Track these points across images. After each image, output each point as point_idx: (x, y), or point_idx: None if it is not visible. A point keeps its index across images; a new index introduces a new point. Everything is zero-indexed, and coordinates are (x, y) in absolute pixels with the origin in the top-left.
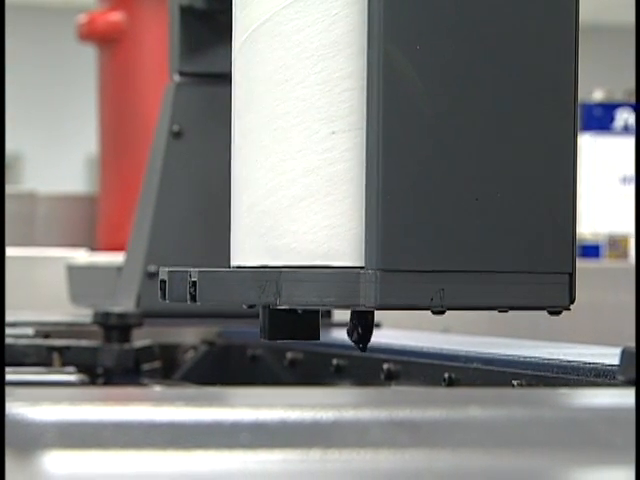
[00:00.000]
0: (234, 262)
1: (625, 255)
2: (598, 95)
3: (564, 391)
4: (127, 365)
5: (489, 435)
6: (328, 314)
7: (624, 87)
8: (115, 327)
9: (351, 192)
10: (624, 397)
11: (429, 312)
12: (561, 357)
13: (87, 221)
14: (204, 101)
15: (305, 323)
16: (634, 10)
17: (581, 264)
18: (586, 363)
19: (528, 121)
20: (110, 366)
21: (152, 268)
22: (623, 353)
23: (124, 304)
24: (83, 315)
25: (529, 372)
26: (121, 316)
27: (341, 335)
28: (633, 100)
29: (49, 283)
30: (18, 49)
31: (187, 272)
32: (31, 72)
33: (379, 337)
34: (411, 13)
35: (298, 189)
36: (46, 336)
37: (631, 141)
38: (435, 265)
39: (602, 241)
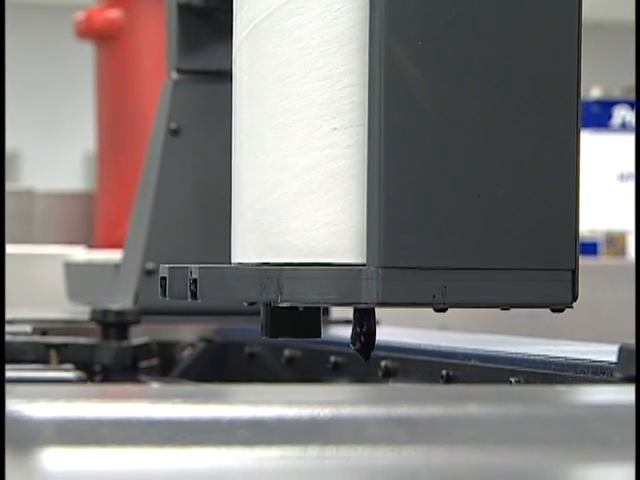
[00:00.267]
0: (235, 259)
1: (623, 252)
2: (596, 92)
3: (562, 388)
4: (125, 362)
5: (487, 432)
6: (326, 311)
7: (622, 84)
8: (113, 324)
9: (352, 189)
10: (622, 394)
11: (427, 309)
12: (559, 354)
13: (85, 218)
14: (202, 98)
15: (306, 320)
16: (632, 7)
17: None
18: (584, 360)
19: (530, 117)
20: (108, 363)
21: (150, 265)
22: (621, 350)
23: (122, 301)
24: (81, 312)
25: (527, 369)
26: (119, 313)
27: (339, 332)
28: (631, 97)
29: (47, 280)
30: (16, 46)
31: (188, 269)
32: (29, 69)
33: (377, 334)
34: (413, 9)
35: (299, 186)
36: (44, 333)
37: (629, 138)
38: (437, 262)
39: (600, 238)
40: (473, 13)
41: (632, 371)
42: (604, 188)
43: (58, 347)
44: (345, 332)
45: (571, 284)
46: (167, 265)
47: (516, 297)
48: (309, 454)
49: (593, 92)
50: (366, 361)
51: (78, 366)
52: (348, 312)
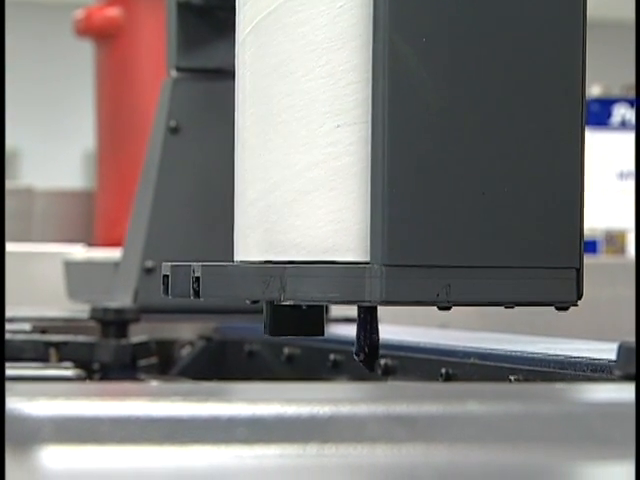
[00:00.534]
0: (237, 257)
1: (622, 250)
2: (595, 90)
3: (561, 386)
4: (124, 360)
5: (486, 430)
6: (326, 310)
7: (622, 82)
8: (112, 323)
9: (356, 186)
10: (621, 392)
11: (426, 307)
12: (558, 352)
13: (84, 217)
14: (201, 96)
15: (309, 319)
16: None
17: None
18: (583, 358)
19: (535, 115)
20: (107, 361)
21: (149, 264)
22: (620, 348)
23: (121, 300)
24: (80, 310)
25: (526, 367)
26: (118, 312)
27: (338, 331)
28: (631, 95)
29: (46, 279)
30: (15, 45)
31: (190, 267)
32: (28, 67)
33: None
34: (417, 5)
35: (302, 183)
36: (43, 331)
37: (628, 136)
38: (441, 260)
39: (599, 236)
40: (478, 10)
41: (632, 369)
42: (604, 186)
43: (57, 345)
44: (345, 330)
45: (576, 282)
46: (169, 263)
47: (520, 295)
48: (308, 452)
49: (593, 90)
50: (370, 372)
51: (77, 364)
52: (348, 310)
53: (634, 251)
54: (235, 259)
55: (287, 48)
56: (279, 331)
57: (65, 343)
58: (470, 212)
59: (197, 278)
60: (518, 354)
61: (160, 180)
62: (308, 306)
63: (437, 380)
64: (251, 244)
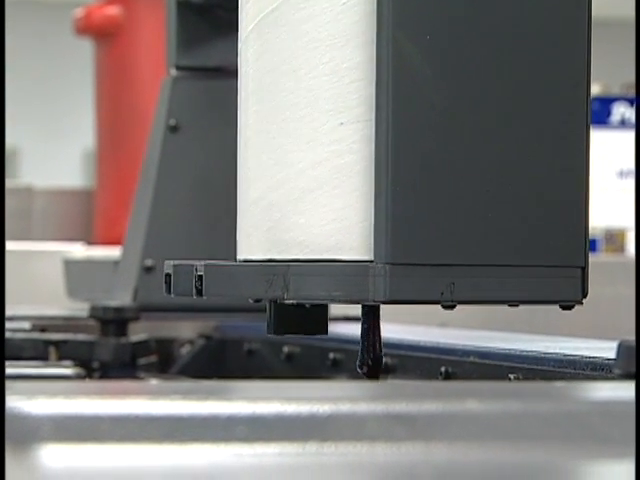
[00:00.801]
0: (240, 256)
1: (622, 249)
2: (595, 89)
3: (560, 385)
4: (124, 359)
5: (485, 428)
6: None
7: (621, 81)
8: (112, 321)
9: (360, 184)
10: (621, 390)
11: (426, 305)
12: (557, 351)
13: (84, 215)
14: (201, 95)
15: (313, 318)
16: (631, 4)
17: None
18: (583, 357)
19: (540, 113)
20: (107, 360)
21: (149, 262)
22: (620, 347)
23: (121, 298)
24: (80, 309)
25: (525, 366)
26: (118, 310)
27: (338, 329)
28: (630, 94)
29: (46, 277)
30: (15, 43)
31: (193, 266)
32: (28, 66)
33: None
34: (421, 2)
35: (306, 181)
36: (43, 330)
37: (628, 135)
38: (445, 259)
39: (599, 235)
40: (482, 8)
41: (631, 367)
42: (603, 185)
43: (57, 344)
44: (344, 329)
45: (581, 281)
46: (172, 262)
47: (525, 294)
48: (308, 450)
49: (592, 89)
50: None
51: (77, 363)
52: (347, 309)
53: (634, 250)
54: (238, 258)
55: (290, 45)
56: (282, 330)
57: (65, 342)
58: (474, 210)
59: (200, 277)
60: (517, 353)
61: (160, 179)
62: (311, 305)
63: (437, 379)
64: (254, 243)
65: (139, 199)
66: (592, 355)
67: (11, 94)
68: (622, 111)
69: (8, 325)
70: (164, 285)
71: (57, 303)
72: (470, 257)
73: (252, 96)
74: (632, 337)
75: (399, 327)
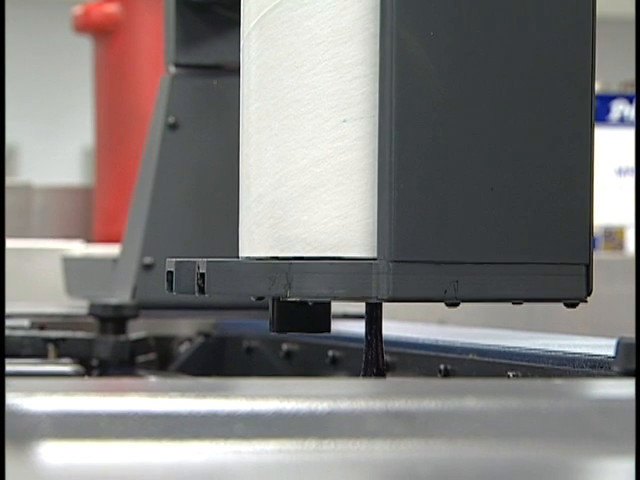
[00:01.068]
0: (243, 253)
1: (621, 247)
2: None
3: (559, 382)
4: (122, 357)
5: (484, 426)
6: None
7: (620, 79)
8: (111, 319)
9: (363, 181)
10: (620, 388)
11: (425, 303)
12: (556, 348)
13: (83, 213)
14: (200, 93)
15: (316, 315)
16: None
17: None
18: (582, 354)
19: (544, 109)
20: (105, 358)
21: (148, 260)
22: (619, 344)
23: (120, 296)
24: (79, 307)
25: (525, 363)
26: (117, 308)
27: (337, 327)
28: (629, 92)
29: (45, 275)
30: (14, 41)
31: (195, 263)
32: (27, 64)
33: None
34: None
35: (309, 178)
36: (42, 328)
37: (627, 133)
38: (449, 256)
39: (598, 233)
40: (486, 3)
41: (630, 365)
42: (602, 182)
43: (56, 341)
44: (344, 327)
45: (585, 278)
46: (173, 259)
47: (529, 292)
48: (307, 448)
49: None
50: None
51: (76, 360)
52: (347, 307)
53: (634, 247)
54: (240, 255)
55: (293, 42)
56: (285, 327)
57: (64, 339)
58: (478, 208)
59: (202, 274)
60: (517, 350)
61: (159, 176)
62: (314, 302)
63: (436, 376)
64: (257, 240)
65: (138, 197)
66: (591, 353)
67: (10, 91)
68: (621, 109)
69: (7, 323)
70: (166, 283)
71: (56, 301)
72: (474, 255)
73: (254, 93)
74: (631, 335)
75: (398, 324)
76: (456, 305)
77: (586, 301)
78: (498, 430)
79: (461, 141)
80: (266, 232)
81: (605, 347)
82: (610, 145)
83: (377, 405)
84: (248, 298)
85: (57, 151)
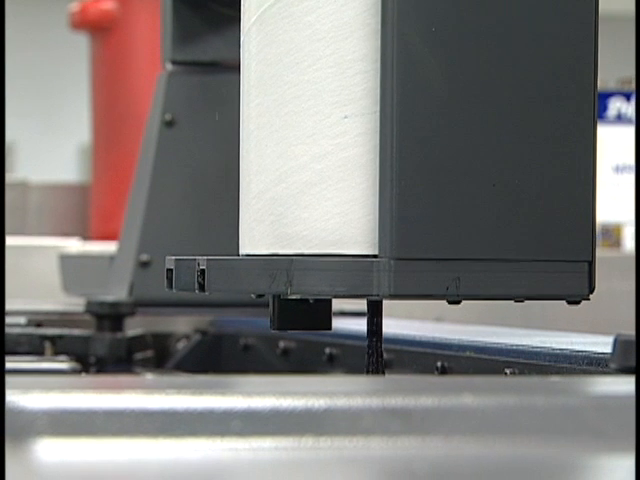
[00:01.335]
0: (243, 250)
1: (618, 244)
2: None
3: (556, 379)
4: (119, 354)
5: (481, 423)
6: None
7: (617, 76)
8: (107, 316)
9: (364, 178)
10: (617, 385)
11: (422, 300)
12: (554, 345)
13: (79, 210)
14: (197, 90)
15: (316, 313)
16: None
17: None
18: (579, 351)
19: (547, 105)
20: (102, 355)
21: (145, 257)
22: (616, 341)
23: (116, 293)
24: (75, 304)
25: (522, 360)
26: (113, 305)
27: (334, 324)
28: (626, 89)
29: (41, 272)
30: (10, 37)
31: (195, 261)
32: (23, 60)
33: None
34: None
35: (309, 175)
36: (38, 325)
37: (624, 130)
38: (451, 253)
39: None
40: None
41: (627, 362)
42: (599, 180)
43: (53, 339)
44: (341, 324)
45: (588, 275)
46: (173, 257)
47: (532, 289)
48: (303, 445)
49: None
50: None
51: (73, 358)
52: (344, 304)
53: (634, 245)
54: (241, 252)
55: (293, 37)
56: (286, 325)
57: (60, 337)
58: (480, 204)
59: (202, 271)
60: (514, 347)
61: (155, 174)
62: (315, 300)
63: (433, 373)
64: (257, 237)
65: (135, 194)
66: (588, 350)
67: (6, 88)
68: (618, 106)
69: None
70: (165, 280)
71: (53, 298)
72: (476, 252)
73: (255, 89)
74: (628, 332)
75: (395, 322)
76: (458, 302)
77: (589, 299)
78: (495, 427)
79: (463, 137)
80: (266, 229)
81: (602, 344)
82: (607, 142)
83: (374, 402)
84: (248, 296)
85: (54, 148)
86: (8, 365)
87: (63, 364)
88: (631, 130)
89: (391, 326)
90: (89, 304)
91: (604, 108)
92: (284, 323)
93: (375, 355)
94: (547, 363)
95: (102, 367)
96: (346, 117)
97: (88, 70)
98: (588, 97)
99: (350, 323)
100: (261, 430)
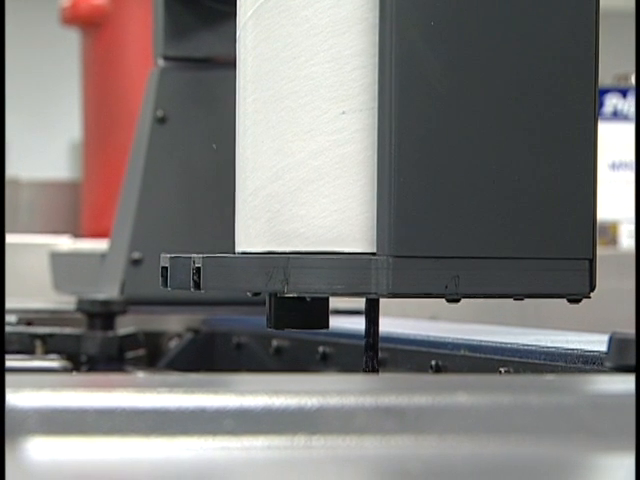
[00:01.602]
0: (239, 248)
1: (614, 242)
2: None
3: (552, 378)
4: (111, 353)
5: (475, 422)
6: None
7: (614, 72)
8: (99, 314)
9: (362, 175)
10: (612, 383)
11: (416, 299)
12: (549, 344)
13: (71, 207)
14: (189, 86)
15: (314, 311)
16: None
17: None
18: (574, 350)
19: (547, 101)
20: (94, 354)
21: (136, 255)
22: (611, 340)
23: (108, 291)
24: (66, 302)
25: (517, 359)
26: (105, 303)
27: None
28: (623, 85)
29: (32, 270)
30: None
31: (190, 258)
32: (13, 56)
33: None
34: None
35: (306, 172)
36: (29, 323)
37: (620, 127)
38: (450, 251)
39: None
40: None
41: (623, 360)
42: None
43: (43, 337)
44: (334, 322)
45: (589, 273)
46: (168, 255)
47: (532, 287)
48: (296, 444)
49: None
50: None
51: (64, 357)
52: (338, 302)
53: (634, 242)
54: (236, 250)
55: (290, 32)
56: (282, 324)
57: (51, 335)
58: (480, 201)
59: (197, 269)
60: (509, 346)
61: (147, 171)
62: (312, 298)
63: (427, 372)
64: (253, 234)
65: (126, 191)
66: (583, 348)
67: None
68: (614, 102)
69: None
70: (160, 278)
71: (43, 296)
72: (475, 249)
73: (251, 84)
74: (623, 330)
75: (389, 320)
76: (457, 301)
77: (589, 297)
78: (489, 426)
79: (462, 134)
80: (263, 226)
81: (597, 343)
82: (603, 139)
83: (367, 401)
84: (242, 294)
85: (44, 145)
86: None
87: (54, 363)
88: (627, 127)
89: (385, 324)
90: (80, 302)
91: (600, 105)
92: (281, 322)
93: (373, 354)
94: (542, 362)
95: (93, 366)
96: (344, 113)
97: (79, 66)
98: (589, 94)
99: (344, 322)
100: (253, 429)
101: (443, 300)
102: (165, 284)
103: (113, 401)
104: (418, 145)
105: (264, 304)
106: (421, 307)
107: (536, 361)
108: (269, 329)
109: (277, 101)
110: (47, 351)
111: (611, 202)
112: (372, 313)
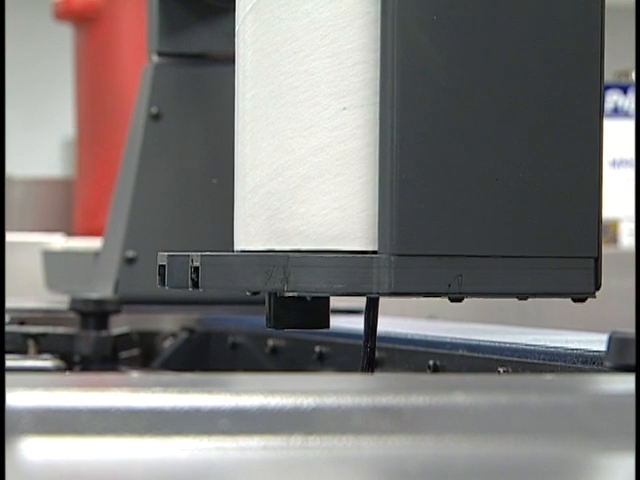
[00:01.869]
0: (238, 246)
1: (614, 240)
2: None
3: (550, 377)
4: (105, 353)
5: (473, 421)
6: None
7: (614, 69)
8: (92, 314)
9: (363, 172)
10: (611, 383)
11: (414, 298)
12: (548, 343)
13: (64, 205)
14: (183, 82)
15: (314, 311)
16: None
17: None
18: (573, 349)
19: (552, 97)
20: (87, 354)
21: (130, 253)
22: (610, 339)
23: (101, 290)
24: (59, 302)
25: (515, 359)
26: (98, 303)
27: None
28: (623, 82)
29: (25, 269)
30: None
31: (188, 257)
32: (5, 51)
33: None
34: None
35: (307, 169)
36: (21, 323)
37: (621, 124)
38: (453, 249)
39: None
40: None
41: (622, 360)
42: None
43: (36, 337)
44: (332, 322)
45: (594, 272)
46: (166, 253)
47: (536, 286)
48: (292, 444)
49: None
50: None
51: (57, 356)
52: (336, 302)
53: (634, 241)
54: (235, 248)
55: (290, 26)
56: (282, 324)
57: (44, 335)
58: (483, 199)
59: (196, 268)
60: (507, 346)
61: (141, 168)
62: (313, 297)
63: (425, 372)
64: (252, 233)
65: (120, 189)
66: (582, 348)
67: None
68: (615, 99)
69: None
70: (157, 277)
71: (36, 295)
72: (479, 248)
73: (250, 80)
74: (623, 329)
75: (387, 319)
76: (460, 300)
77: (594, 296)
78: (487, 426)
79: (465, 130)
80: (262, 224)
81: (597, 342)
82: (604, 136)
83: (364, 401)
84: (238, 293)
85: (37, 142)
86: None
87: (47, 362)
88: (628, 123)
89: (383, 324)
90: (73, 301)
91: None
92: (280, 321)
93: (373, 353)
94: (541, 361)
95: (87, 366)
96: (345, 109)
97: (72, 62)
98: (595, 91)
99: (341, 321)
100: (249, 429)
101: (442, 299)
102: (162, 283)
103: (107, 401)
104: (420, 142)
105: (260, 303)
106: (419, 306)
107: (535, 361)
108: (264, 328)
109: (277, 97)
110: (40, 351)
111: (612, 200)
112: (371, 312)
